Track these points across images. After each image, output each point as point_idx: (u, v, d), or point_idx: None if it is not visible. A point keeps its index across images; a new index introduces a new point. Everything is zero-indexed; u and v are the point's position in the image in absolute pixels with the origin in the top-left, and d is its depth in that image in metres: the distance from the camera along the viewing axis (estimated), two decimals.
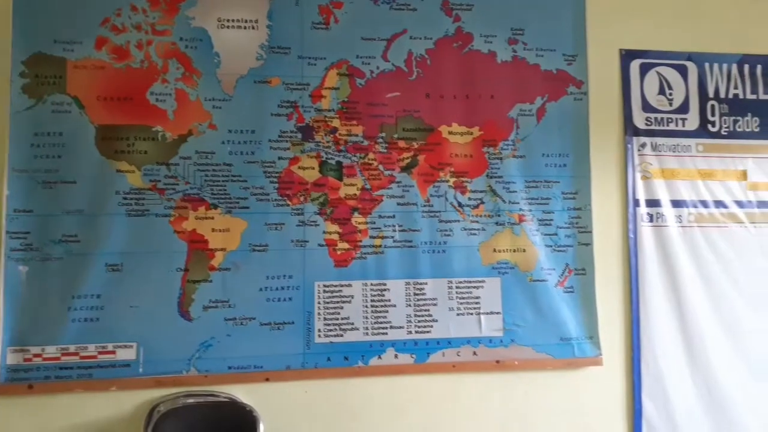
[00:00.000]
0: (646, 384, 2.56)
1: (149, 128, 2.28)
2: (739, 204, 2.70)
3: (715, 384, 2.58)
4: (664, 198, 2.64)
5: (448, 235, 2.49)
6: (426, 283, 2.47)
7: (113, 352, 2.21)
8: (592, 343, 2.53)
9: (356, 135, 2.42)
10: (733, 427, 2.58)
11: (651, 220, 2.64)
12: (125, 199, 2.25)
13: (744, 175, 2.72)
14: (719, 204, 2.68)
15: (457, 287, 2.49)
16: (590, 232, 2.58)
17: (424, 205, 2.47)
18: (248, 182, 2.33)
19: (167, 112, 2.30)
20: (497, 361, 2.47)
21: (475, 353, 2.47)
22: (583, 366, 2.53)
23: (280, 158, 2.35)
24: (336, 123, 2.40)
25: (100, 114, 2.26)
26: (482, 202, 2.52)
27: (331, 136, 2.40)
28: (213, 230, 2.30)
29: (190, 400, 2.20)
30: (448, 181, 2.49)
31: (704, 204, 2.67)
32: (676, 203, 2.65)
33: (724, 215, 2.68)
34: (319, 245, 2.37)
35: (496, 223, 2.52)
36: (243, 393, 2.28)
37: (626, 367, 2.56)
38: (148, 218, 2.25)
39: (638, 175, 2.64)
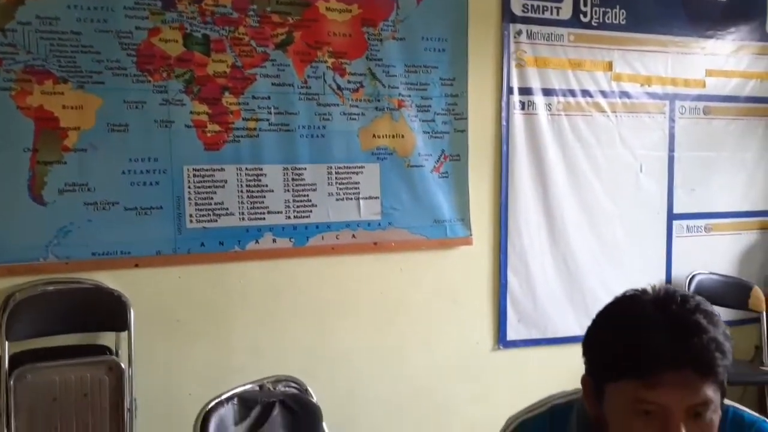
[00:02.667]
0: (511, 261, 2.75)
1: None
2: (604, 94, 2.85)
3: (572, 259, 2.83)
4: (536, 86, 2.73)
5: (327, 120, 2.44)
6: (305, 169, 2.43)
7: None
8: (463, 224, 2.65)
9: (224, 6, 2.24)
10: (585, 297, 2.85)
11: (523, 108, 2.73)
12: None
13: (610, 65, 2.86)
14: (586, 93, 2.81)
15: (336, 173, 2.48)
16: (466, 118, 2.63)
17: (301, 87, 2.39)
18: (102, 54, 2.11)
19: None
20: (375, 243, 2.53)
21: (353, 236, 2.51)
22: (455, 246, 2.66)
23: (137, 28, 2.14)
24: None
25: None
26: (362, 86, 2.47)
27: (196, 5, 2.20)
28: (64, 107, 2.09)
29: (51, 288, 2.08)
30: (326, 62, 2.41)
31: (572, 93, 2.79)
32: (547, 92, 2.75)
33: (590, 104, 2.82)
34: (187, 126, 2.24)
35: (376, 108, 2.50)
36: (110, 280, 2.19)
37: (494, 246, 2.73)
38: None
39: (513, 63, 2.69)
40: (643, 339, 0.86)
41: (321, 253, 2.47)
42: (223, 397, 1.61)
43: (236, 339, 2.38)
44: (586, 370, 0.97)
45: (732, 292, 2.86)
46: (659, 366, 0.84)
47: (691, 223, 3.04)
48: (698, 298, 0.91)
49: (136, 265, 2.22)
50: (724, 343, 0.86)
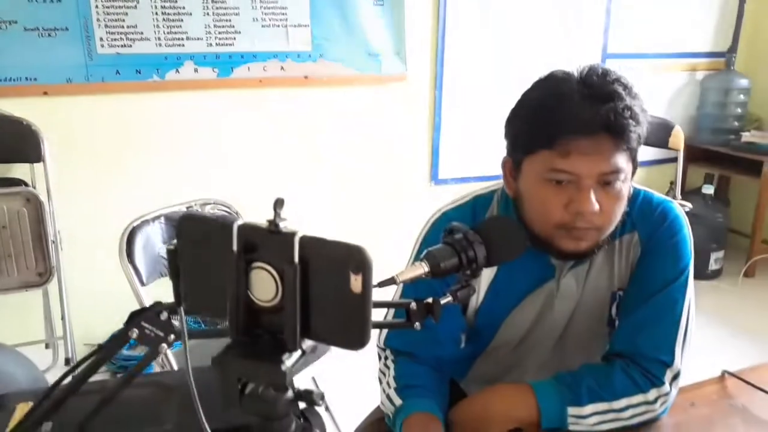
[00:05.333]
0: (446, 98, 2.71)
1: None
2: None
3: (511, 97, 2.81)
4: None
5: None
6: None
7: None
8: (398, 58, 2.56)
9: None
10: None
11: None
12: None
13: None
14: None
15: None
16: None
17: None
18: None
19: None
20: (305, 77, 2.42)
21: (282, 68, 2.39)
22: (390, 81, 2.58)
23: None
24: None
25: None
26: None
27: None
28: None
29: None
30: None
31: None
32: None
33: None
34: None
35: None
36: (18, 108, 2.02)
37: (429, 82, 2.67)
38: None
39: None
40: (558, 106, 0.86)
41: (247, 85, 2.35)
42: (149, 216, 1.58)
43: (160, 171, 2.30)
44: (507, 151, 0.98)
45: (655, 130, 2.94)
46: (573, 132, 0.85)
47: (624, 62, 3.05)
48: (621, 73, 0.91)
49: (45, 93, 2.05)
50: (638, 113, 0.87)
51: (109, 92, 2.14)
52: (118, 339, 0.63)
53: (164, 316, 0.65)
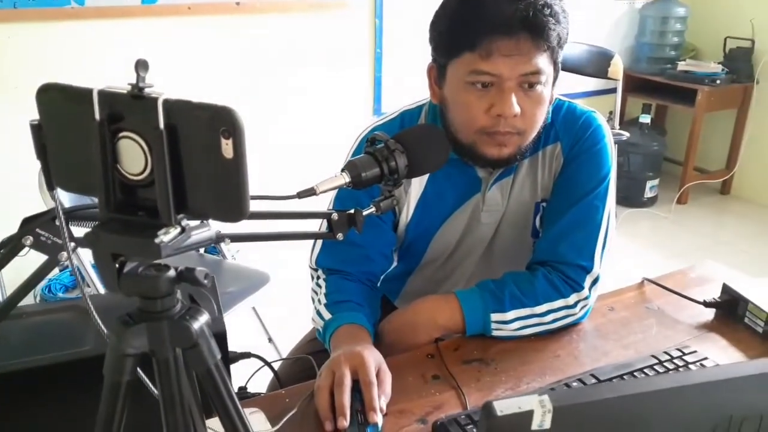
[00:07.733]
0: (387, 26, 2.64)
1: None
2: None
3: None
4: None
5: None
6: None
7: None
8: None
9: None
10: None
11: None
12: None
13: None
14: None
15: None
16: None
17: None
18: None
19: None
20: (237, 3, 2.31)
21: None
22: (328, 8, 2.50)
23: None
24: None
25: None
26: None
27: None
28: None
29: None
30: None
31: None
32: None
33: None
34: None
35: None
36: None
37: (370, 9, 2.59)
38: None
39: None
40: (479, 5, 0.85)
41: (175, 12, 2.23)
42: None
43: None
44: (432, 56, 0.97)
45: (595, 60, 2.97)
46: (493, 31, 0.84)
47: None
48: None
49: None
50: (558, 12, 0.86)
51: (22, 20, 1.99)
52: (9, 245, 0.59)
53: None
